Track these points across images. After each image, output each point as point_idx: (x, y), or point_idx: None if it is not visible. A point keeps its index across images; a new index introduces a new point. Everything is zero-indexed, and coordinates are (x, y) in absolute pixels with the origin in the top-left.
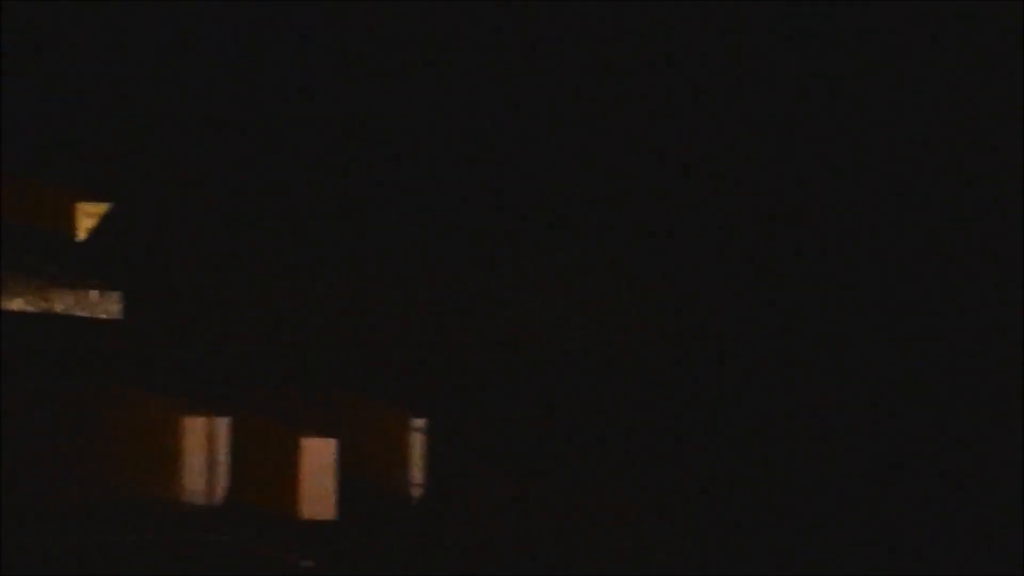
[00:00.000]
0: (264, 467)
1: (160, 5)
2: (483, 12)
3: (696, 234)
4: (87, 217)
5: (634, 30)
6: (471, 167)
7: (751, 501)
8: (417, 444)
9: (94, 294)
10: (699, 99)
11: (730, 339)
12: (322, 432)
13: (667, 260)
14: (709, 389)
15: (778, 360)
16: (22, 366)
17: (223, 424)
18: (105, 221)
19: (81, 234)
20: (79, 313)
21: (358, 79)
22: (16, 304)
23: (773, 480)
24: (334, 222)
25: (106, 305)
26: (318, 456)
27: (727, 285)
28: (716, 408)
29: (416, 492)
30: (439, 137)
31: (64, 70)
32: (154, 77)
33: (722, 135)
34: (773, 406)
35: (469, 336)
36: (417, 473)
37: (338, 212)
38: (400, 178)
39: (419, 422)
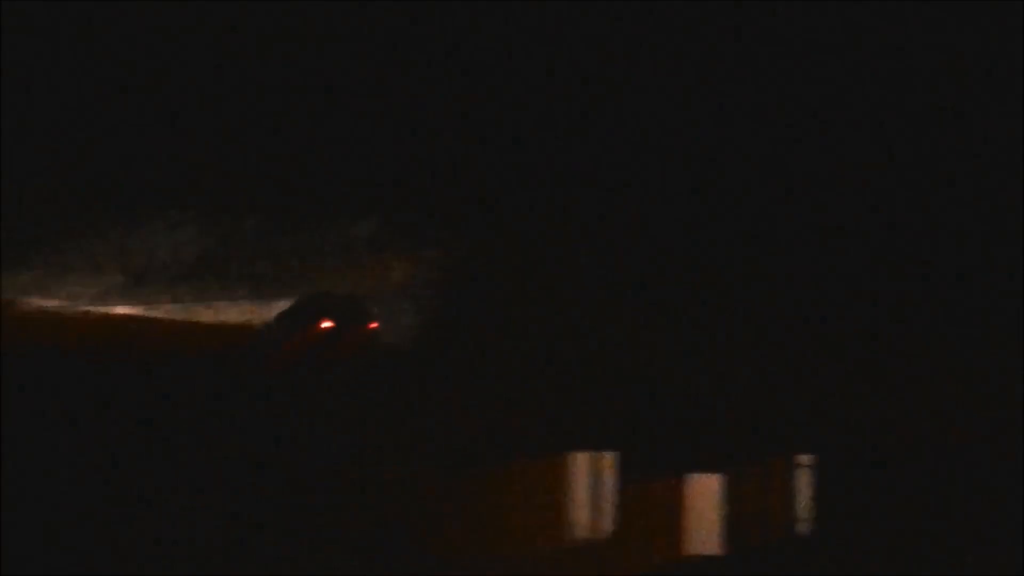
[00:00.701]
0: (650, 503)
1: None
2: None
3: None
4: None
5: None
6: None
7: None
8: (802, 479)
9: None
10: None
11: None
12: (708, 468)
13: None
14: None
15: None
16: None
17: (610, 460)
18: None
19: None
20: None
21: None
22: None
23: None
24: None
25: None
26: (704, 492)
27: None
28: None
29: (801, 528)
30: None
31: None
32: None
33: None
34: None
35: (850, 374)
36: (802, 508)
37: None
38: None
39: (804, 458)
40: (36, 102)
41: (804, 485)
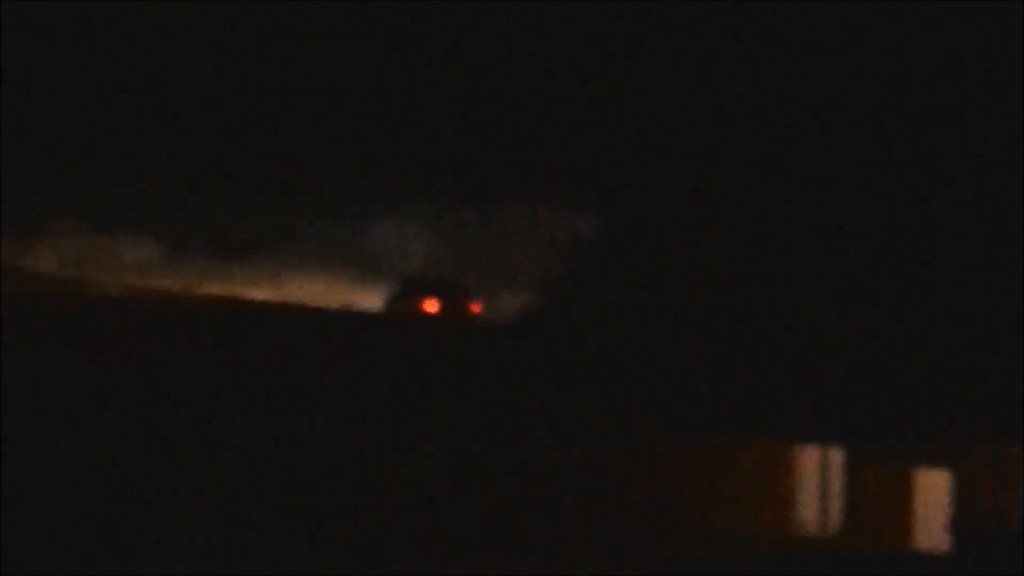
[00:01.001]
0: (878, 499)
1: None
2: None
3: None
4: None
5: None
6: None
7: None
8: None
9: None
10: None
11: None
12: (936, 465)
13: None
14: None
15: None
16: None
17: (838, 456)
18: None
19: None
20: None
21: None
22: None
23: None
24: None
25: None
26: (932, 489)
27: None
28: None
29: None
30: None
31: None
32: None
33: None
34: None
35: None
36: None
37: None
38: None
39: None
40: (276, 109)
41: None
